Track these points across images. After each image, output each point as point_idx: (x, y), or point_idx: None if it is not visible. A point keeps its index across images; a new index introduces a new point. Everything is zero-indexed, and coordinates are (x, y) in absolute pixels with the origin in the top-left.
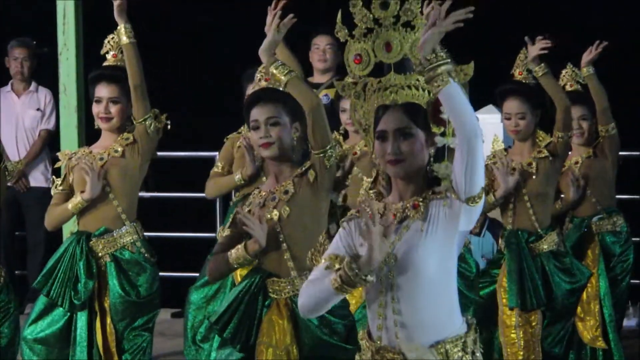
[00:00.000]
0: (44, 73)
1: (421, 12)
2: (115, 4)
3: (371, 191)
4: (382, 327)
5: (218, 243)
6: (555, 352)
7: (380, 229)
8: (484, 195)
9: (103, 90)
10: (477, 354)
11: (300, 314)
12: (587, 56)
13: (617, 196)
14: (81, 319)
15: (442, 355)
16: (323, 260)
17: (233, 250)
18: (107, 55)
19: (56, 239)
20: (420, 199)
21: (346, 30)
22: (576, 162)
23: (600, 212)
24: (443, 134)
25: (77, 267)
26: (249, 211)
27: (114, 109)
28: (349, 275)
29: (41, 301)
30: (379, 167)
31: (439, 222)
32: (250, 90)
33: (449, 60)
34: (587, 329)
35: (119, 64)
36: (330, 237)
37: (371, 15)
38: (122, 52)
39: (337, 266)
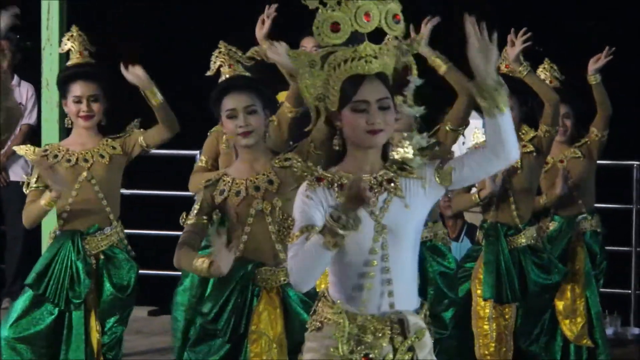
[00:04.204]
0: (26, 67)
1: None
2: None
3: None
4: (366, 300)
5: (184, 231)
6: (532, 351)
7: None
8: None
9: (82, 89)
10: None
11: (296, 289)
12: (595, 63)
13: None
14: (76, 316)
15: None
16: (299, 233)
17: (199, 261)
18: (70, 53)
19: (35, 235)
20: (392, 173)
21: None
22: (561, 161)
23: (584, 212)
24: (404, 102)
25: (75, 266)
26: (227, 197)
27: (95, 106)
28: (336, 223)
29: (22, 300)
30: (323, 140)
31: (419, 198)
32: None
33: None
34: (572, 327)
35: (87, 60)
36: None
37: None
38: (86, 50)
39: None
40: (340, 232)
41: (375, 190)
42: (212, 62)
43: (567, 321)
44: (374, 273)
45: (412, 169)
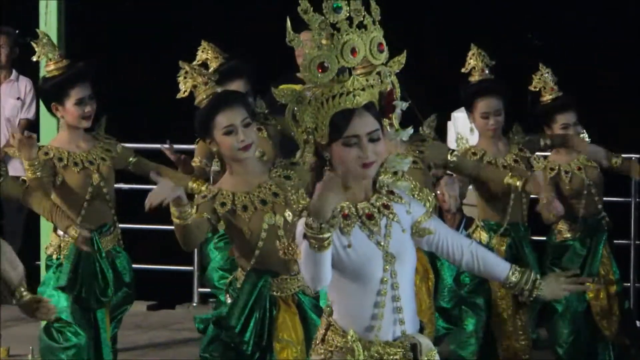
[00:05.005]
0: (25, 63)
1: (367, 12)
2: None
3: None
4: (380, 328)
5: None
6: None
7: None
8: None
9: (83, 91)
10: None
11: (313, 290)
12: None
13: None
14: (101, 315)
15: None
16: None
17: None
18: (49, 61)
19: (33, 230)
20: (384, 199)
21: (301, 38)
22: (579, 168)
23: (603, 214)
24: (391, 125)
25: (99, 265)
26: (234, 210)
27: (94, 105)
28: (312, 230)
29: (65, 305)
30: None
31: (407, 222)
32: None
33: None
34: (611, 327)
35: (69, 62)
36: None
37: (328, 21)
38: (61, 56)
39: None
40: (321, 236)
41: (376, 217)
42: (181, 84)
43: (605, 321)
44: (385, 302)
45: (399, 195)
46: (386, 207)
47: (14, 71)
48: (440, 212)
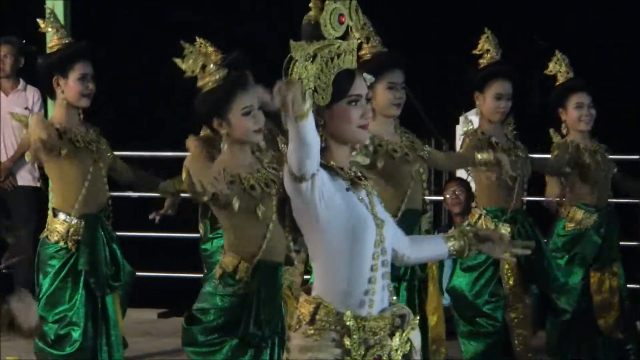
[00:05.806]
0: (32, 72)
1: None
2: None
3: None
4: (373, 295)
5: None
6: None
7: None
8: None
9: (87, 67)
10: None
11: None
12: None
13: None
14: (110, 300)
15: None
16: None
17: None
18: (53, 35)
19: None
20: (359, 172)
21: None
22: (594, 151)
23: (609, 204)
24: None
25: (111, 249)
26: (243, 189)
27: (94, 86)
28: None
29: (74, 303)
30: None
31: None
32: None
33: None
34: (608, 320)
35: (67, 40)
36: None
37: None
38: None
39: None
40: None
41: (361, 182)
42: (188, 64)
43: (603, 312)
44: (378, 266)
45: (366, 172)
46: (365, 177)
47: (21, 81)
48: (449, 214)
